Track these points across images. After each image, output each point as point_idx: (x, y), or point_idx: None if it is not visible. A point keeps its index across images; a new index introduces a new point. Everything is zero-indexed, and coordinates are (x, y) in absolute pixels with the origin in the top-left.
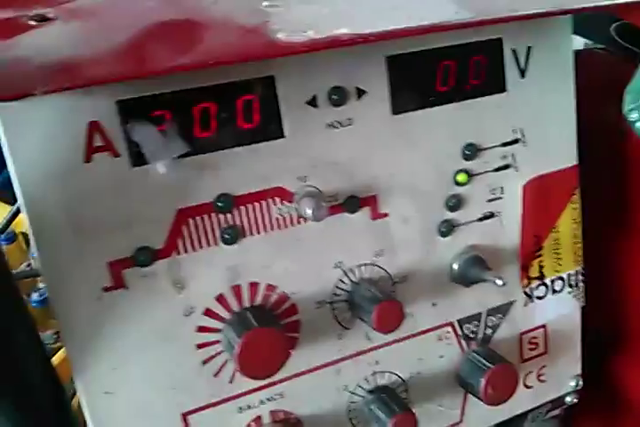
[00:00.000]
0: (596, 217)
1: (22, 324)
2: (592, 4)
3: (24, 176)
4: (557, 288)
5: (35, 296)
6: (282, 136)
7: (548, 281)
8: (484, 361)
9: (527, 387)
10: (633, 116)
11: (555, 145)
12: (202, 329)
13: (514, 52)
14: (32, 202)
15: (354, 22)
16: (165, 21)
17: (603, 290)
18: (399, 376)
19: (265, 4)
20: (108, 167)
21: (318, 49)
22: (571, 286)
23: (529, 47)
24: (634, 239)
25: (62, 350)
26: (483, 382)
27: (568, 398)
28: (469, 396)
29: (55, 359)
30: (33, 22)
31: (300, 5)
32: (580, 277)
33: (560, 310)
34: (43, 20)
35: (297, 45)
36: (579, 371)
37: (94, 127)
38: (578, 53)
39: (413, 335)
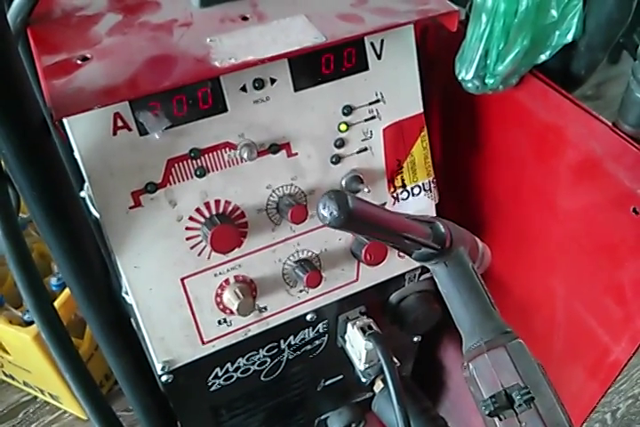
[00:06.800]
0: (453, 143)
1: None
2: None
3: (82, 147)
4: (416, 192)
5: (53, 280)
6: (226, 111)
7: (409, 188)
8: (364, 240)
9: (401, 257)
10: (460, 78)
11: (404, 101)
12: (188, 228)
13: (372, 44)
14: (86, 161)
15: (257, 50)
16: (153, 56)
17: (455, 190)
18: (313, 252)
19: (208, 40)
20: (126, 137)
21: (237, 70)
22: (425, 190)
23: (382, 40)
24: (477, 155)
25: None
26: (363, 251)
27: None
28: (361, 264)
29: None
30: (79, 62)
31: (227, 40)
32: (432, 184)
33: (419, 206)
34: (84, 59)
35: (224, 69)
36: None
37: (117, 115)
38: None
39: (320, 227)
